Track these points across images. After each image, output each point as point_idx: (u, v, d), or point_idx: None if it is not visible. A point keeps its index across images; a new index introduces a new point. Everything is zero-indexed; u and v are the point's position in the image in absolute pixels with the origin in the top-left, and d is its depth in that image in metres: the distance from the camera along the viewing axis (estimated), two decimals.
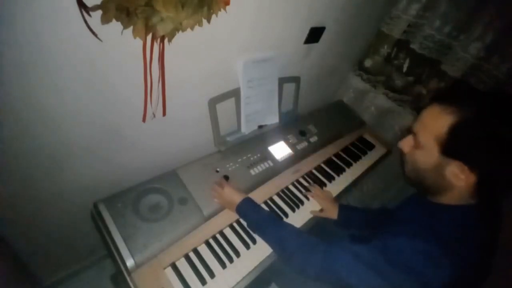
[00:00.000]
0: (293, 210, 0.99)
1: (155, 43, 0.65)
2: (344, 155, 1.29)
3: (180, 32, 0.65)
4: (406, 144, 0.63)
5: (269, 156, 1.06)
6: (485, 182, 0.52)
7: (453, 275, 0.51)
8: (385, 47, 1.39)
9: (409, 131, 0.63)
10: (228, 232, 0.87)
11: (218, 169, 0.94)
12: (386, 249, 0.56)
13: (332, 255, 0.64)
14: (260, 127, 1.13)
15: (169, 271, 0.73)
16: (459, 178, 0.53)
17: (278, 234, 0.76)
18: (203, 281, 0.74)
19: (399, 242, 0.55)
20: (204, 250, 0.80)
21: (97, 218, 0.75)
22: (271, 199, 1.00)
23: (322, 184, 1.13)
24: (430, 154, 0.56)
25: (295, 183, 1.09)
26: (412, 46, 1.30)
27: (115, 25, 0.55)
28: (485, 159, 0.50)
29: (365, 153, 1.34)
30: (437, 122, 0.54)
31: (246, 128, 1.07)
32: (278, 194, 1.03)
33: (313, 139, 1.22)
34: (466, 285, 0.56)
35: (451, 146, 0.53)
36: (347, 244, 0.65)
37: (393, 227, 0.66)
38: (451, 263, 0.51)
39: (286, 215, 0.97)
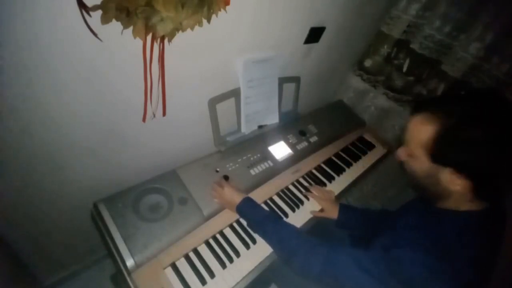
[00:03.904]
0: (293, 210, 0.99)
1: (155, 43, 0.65)
2: (344, 155, 1.29)
3: (180, 32, 0.65)
4: (401, 153, 0.63)
5: (269, 156, 1.06)
6: (481, 185, 0.52)
7: (454, 286, 0.52)
8: (385, 47, 1.39)
9: (401, 141, 0.64)
10: (228, 232, 0.87)
11: (218, 169, 0.94)
12: (387, 258, 0.57)
13: (333, 259, 0.64)
14: (260, 127, 1.13)
15: (169, 271, 0.73)
16: (454, 184, 0.53)
17: (278, 233, 0.76)
18: (203, 281, 0.74)
19: (401, 253, 0.55)
20: (204, 250, 0.80)
21: (97, 218, 0.75)
22: (271, 199, 1.00)
23: (322, 184, 1.13)
24: (422, 163, 0.57)
25: (295, 183, 1.09)
26: (412, 46, 1.30)
27: (115, 25, 0.55)
28: (474, 162, 0.50)
29: (365, 153, 1.34)
30: (421, 132, 0.54)
31: (246, 128, 1.07)
32: (278, 194, 1.03)
33: (313, 139, 1.22)
34: None
35: (439, 154, 0.53)
36: (349, 248, 0.65)
37: (395, 234, 0.66)
38: (451, 277, 0.51)
39: (286, 215, 0.97)
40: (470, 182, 0.52)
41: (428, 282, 0.52)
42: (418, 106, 0.58)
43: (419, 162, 0.57)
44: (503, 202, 0.60)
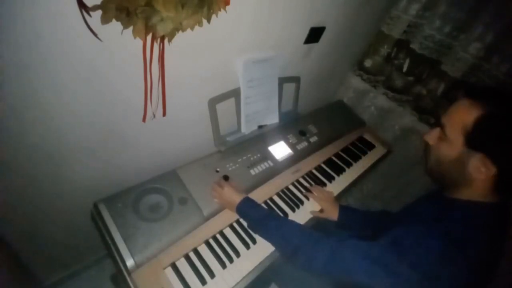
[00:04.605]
0: (293, 210, 0.99)
1: (155, 43, 0.65)
2: (344, 155, 1.29)
3: (180, 32, 0.65)
4: (432, 136, 0.64)
5: (269, 156, 1.06)
6: (504, 177, 0.55)
7: (462, 275, 0.52)
8: (385, 47, 1.39)
9: (436, 123, 0.65)
10: (228, 232, 0.87)
11: (218, 169, 0.94)
12: (397, 247, 0.56)
13: (340, 252, 0.64)
14: (260, 127, 1.13)
15: (169, 271, 0.73)
16: (480, 171, 0.55)
17: (280, 229, 0.76)
18: (203, 281, 0.74)
19: (412, 240, 0.56)
20: (204, 250, 0.80)
21: (97, 218, 0.75)
22: (271, 199, 1.00)
23: (322, 184, 1.13)
24: (454, 146, 0.58)
25: (295, 183, 1.09)
26: (412, 46, 1.30)
27: (115, 25, 0.55)
28: (506, 153, 0.53)
29: (365, 153, 1.34)
30: (464, 114, 0.56)
31: (246, 128, 1.07)
32: (278, 194, 1.03)
33: (313, 139, 1.22)
34: (471, 286, 0.57)
35: (475, 138, 0.55)
36: (355, 240, 0.64)
37: (405, 223, 0.66)
38: (462, 264, 0.52)
39: (286, 215, 0.97)
40: (496, 172, 0.54)
41: (439, 268, 0.52)
42: (468, 91, 0.59)
43: (451, 145, 0.59)
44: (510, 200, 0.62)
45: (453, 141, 0.58)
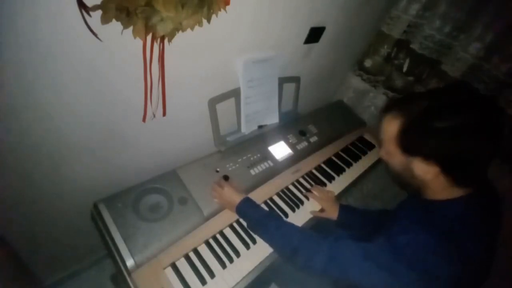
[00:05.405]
0: (293, 210, 0.99)
1: (155, 43, 0.65)
2: (344, 155, 1.29)
3: (180, 32, 0.65)
4: (381, 152, 0.68)
5: (269, 156, 1.06)
6: (449, 170, 0.56)
7: (459, 269, 0.53)
8: (385, 47, 1.39)
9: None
10: (228, 232, 0.87)
11: (218, 169, 0.94)
12: (393, 246, 0.57)
13: (339, 254, 0.64)
14: (260, 127, 1.13)
15: (169, 271, 0.73)
16: (425, 172, 0.57)
17: (280, 230, 0.76)
18: (203, 281, 0.74)
19: (406, 238, 0.57)
20: (204, 250, 0.80)
21: (97, 218, 0.75)
22: (271, 199, 1.00)
23: (322, 184, 1.13)
24: (397, 157, 0.62)
25: (295, 183, 1.09)
26: (412, 46, 1.30)
27: (115, 25, 0.55)
28: (437, 149, 0.55)
29: (365, 153, 1.34)
30: (390, 128, 0.60)
31: (246, 128, 1.07)
32: (278, 194, 1.03)
33: (313, 139, 1.22)
34: (471, 280, 0.57)
35: (406, 145, 0.59)
36: (354, 242, 0.65)
37: (396, 225, 0.67)
38: (457, 258, 0.53)
39: (286, 215, 0.97)
40: (437, 168, 0.56)
41: (436, 267, 0.53)
42: (387, 106, 0.63)
43: (395, 157, 0.62)
44: (489, 184, 0.63)
45: (394, 154, 0.62)
